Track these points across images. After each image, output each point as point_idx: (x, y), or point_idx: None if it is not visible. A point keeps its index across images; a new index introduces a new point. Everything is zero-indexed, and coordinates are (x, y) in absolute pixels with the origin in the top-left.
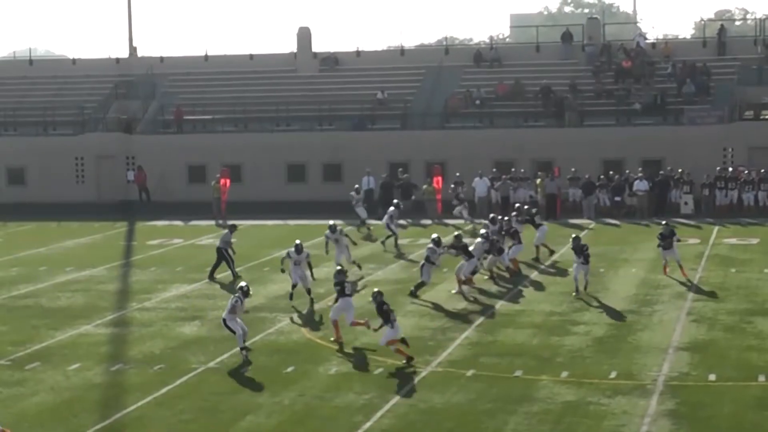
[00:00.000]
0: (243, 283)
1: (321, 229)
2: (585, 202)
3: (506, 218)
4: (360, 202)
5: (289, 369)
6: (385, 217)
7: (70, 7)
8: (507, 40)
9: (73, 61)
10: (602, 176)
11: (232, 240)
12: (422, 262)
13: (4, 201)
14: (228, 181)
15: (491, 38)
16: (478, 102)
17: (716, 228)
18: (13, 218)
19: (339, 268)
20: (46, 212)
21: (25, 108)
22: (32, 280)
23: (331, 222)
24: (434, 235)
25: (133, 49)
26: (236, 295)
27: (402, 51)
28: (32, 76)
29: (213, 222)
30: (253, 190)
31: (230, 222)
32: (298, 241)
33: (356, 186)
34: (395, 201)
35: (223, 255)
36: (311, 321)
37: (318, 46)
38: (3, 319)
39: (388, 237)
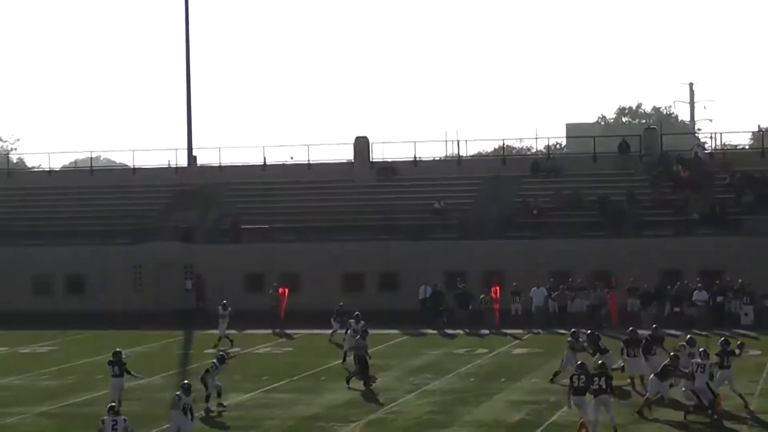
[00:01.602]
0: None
1: (376, 339)
2: (644, 312)
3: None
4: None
5: None
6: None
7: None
8: (564, 149)
9: (134, 170)
10: (669, 287)
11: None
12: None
13: (64, 309)
14: (287, 289)
15: (548, 148)
16: (535, 212)
17: None
18: (71, 326)
19: None
20: (104, 320)
21: (86, 217)
22: (89, 388)
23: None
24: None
25: (192, 159)
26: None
27: (459, 160)
28: (93, 186)
29: (270, 331)
30: (311, 298)
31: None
32: (357, 312)
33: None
34: (356, 313)
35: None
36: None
37: (375, 154)
38: (60, 428)
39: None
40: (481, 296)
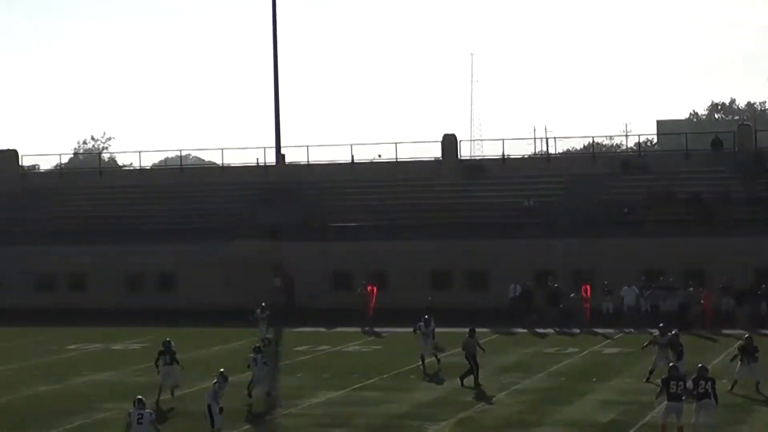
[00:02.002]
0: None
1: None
2: (738, 312)
3: (674, 332)
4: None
5: None
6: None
7: (221, 114)
8: (655, 146)
9: (222, 168)
10: (763, 285)
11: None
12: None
13: (155, 306)
14: (375, 288)
15: (639, 145)
16: (626, 210)
17: None
18: (162, 324)
19: None
20: (194, 318)
21: (175, 215)
22: (183, 385)
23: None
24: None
25: (280, 157)
26: (217, 380)
27: (548, 158)
28: (182, 184)
29: (359, 329)
30: (399, 297)
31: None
32: (426, 315)
33: None
34: (425, 316)
35: None
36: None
37: (463, 152)
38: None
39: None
40: (572, 295)
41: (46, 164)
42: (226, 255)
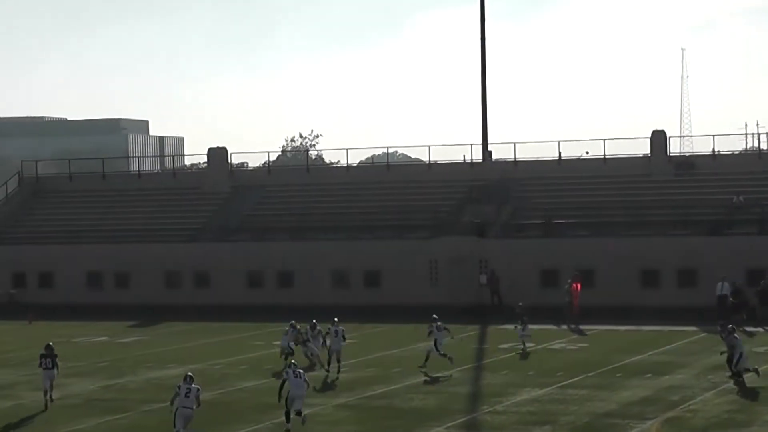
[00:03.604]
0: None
1: (674, 336)
2: None
3: None
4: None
5: None
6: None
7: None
8: None
9: (429, 165)
10: None
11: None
12: None
13: (361, 303)
14: (579, 285)
15: None
16: None
17: None
18: (368, 320)
19: None
20: (400, 314)
21: (382, 211)
22: (387, 381)
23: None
24: None
25: (487, 154)
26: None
27: (759, 154)
28: (389, 181)
29: (565, 326)
30: (606, 294)
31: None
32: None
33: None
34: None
35: None
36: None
37: (673, 148)
38: (357, 419)
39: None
40: None
41: (254, 162)
42: (431, 252)
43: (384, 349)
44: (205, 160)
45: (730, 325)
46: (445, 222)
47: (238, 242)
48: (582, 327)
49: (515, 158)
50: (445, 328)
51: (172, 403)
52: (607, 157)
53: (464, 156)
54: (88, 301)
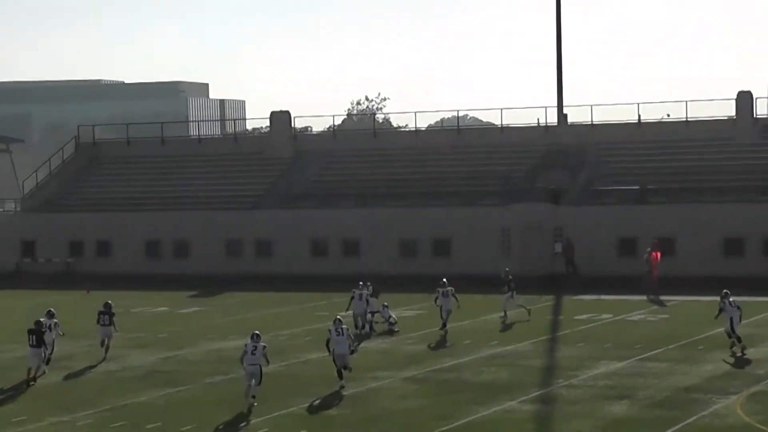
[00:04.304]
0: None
1: (759, 307)
2: None
3: None
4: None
5: None
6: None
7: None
8: None
9: (501, 129)
10: None
11: None
12: None
13: (429, 272)
14: (659, 254)
15: None
16: None
17: None
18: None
19: None
20: (471, 284)
21: (452, 177)
22: (456, 353)
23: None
24: None
25: (562, 117)
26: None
27: None
28: (460, 145)
29: (644, 297)
30: (687, 264)
31: None
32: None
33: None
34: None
35: None
36: (754, 401)
37: (759, 110)
38: (426, 392)
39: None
40: None
41: (318, 126)
42: (503, 220)
43: (453, 320)
44: (268, 124)
45: (725, 290)
46: (518, 188)
47: (301, 209)
48: (662, 298)
49: (592, 121)
50: (453, 295)
51: (241, 362)
52: (689, 119)
53: (538, 119)
54: (147, 271)
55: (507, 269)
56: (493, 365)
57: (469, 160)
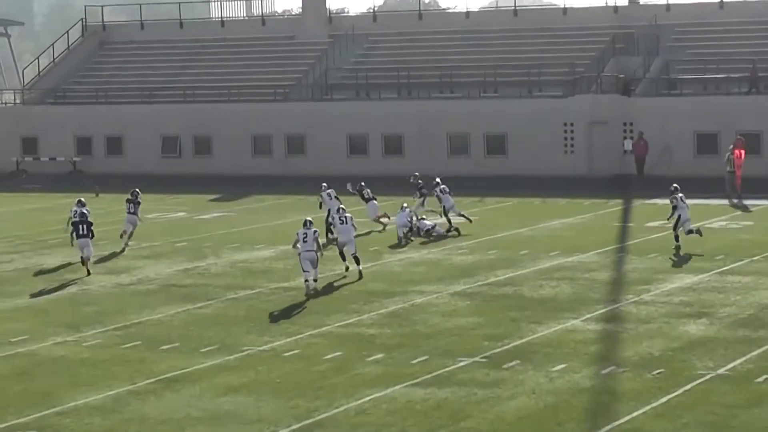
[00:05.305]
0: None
1: None
2: None
3: None
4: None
5: None
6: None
7: None
8: None
9: (564, 10)
10: None
11: None
12: None
13: (483, 173)
14: (743, 152)
15: None
16: None
17: None
18: (491, 192)
19: None
20: (528, 186)
21: (507, 65)
22: (512, 265)
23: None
24: None
25: None
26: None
27: None
28: (517, 29)
29: (726, 201)
30: None
31: None
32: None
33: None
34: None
35: None
36: None
37: None
38: (479, 309)
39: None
40: None
41: (356, 8)
42: (566, 113)
43: (509, 228)
44: (300, 5)
45: (674, 185)
46: (583, 78)
47: (337, 101)
48: (746, 202)
49: (667, 1)
50: (448, 192)
51: (294, 247)
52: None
53: (606, 0)
54: (163, 171)
55: (416, 173)
56: (554, 279)
57: (527, 46)
